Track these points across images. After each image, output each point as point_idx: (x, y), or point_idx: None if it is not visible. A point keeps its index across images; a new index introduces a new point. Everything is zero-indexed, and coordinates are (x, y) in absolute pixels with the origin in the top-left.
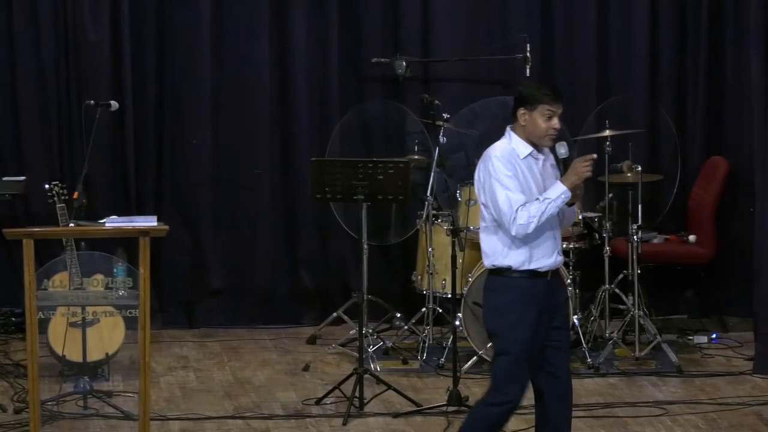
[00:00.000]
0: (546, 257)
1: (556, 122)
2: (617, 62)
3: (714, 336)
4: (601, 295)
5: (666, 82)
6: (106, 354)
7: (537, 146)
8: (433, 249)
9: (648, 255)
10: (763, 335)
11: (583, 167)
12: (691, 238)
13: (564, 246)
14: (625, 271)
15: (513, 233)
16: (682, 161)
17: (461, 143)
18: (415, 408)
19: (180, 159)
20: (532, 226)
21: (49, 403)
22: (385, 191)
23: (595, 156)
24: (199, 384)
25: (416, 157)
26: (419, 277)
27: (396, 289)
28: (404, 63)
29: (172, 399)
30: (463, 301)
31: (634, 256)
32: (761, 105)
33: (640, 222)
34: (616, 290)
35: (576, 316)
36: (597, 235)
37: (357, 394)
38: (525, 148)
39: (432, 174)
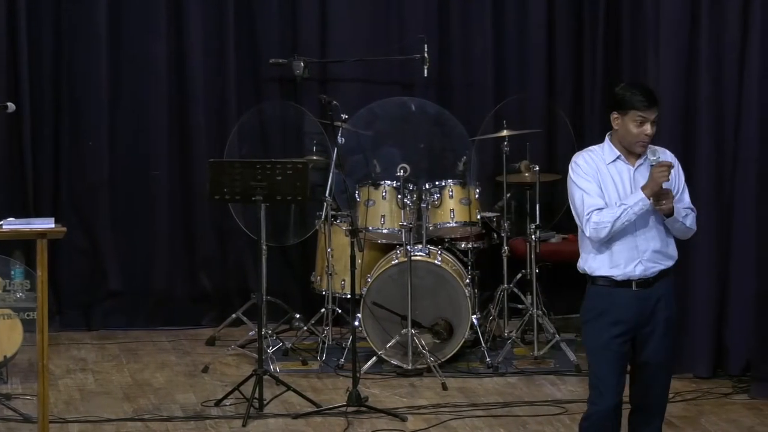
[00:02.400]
0: (623, 266)
1: (648, 128)
2: (514, 62)
3: None
4: (500, 294)
5: (563, 81)
6: (5, 357)
7: (630, 153)
8: (332, 249)
9: (546, 254)
10: None
11: (658, 172)
12: None
13: (462, 246)
14: (523, 271)
15: (587, 234)
16: None
17: (359, 144)
18: (314, 409)
19: (77, 160)
20: (605, 232)
21: None
22: (284, 192)
23: (671, 162)
24: (98, 386)
25: (315, 157)
26: (318, 277)
27: (295, 290)
28: (302, 63)
29: (71, 401)
30: (362, 301)
31: (533, 256)
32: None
33: (538, 221)
34: (515, 290)
35: (475, 316)
36: (495, 235)
37: (257, 395)
38: (612, 154)
39: (331, 174)
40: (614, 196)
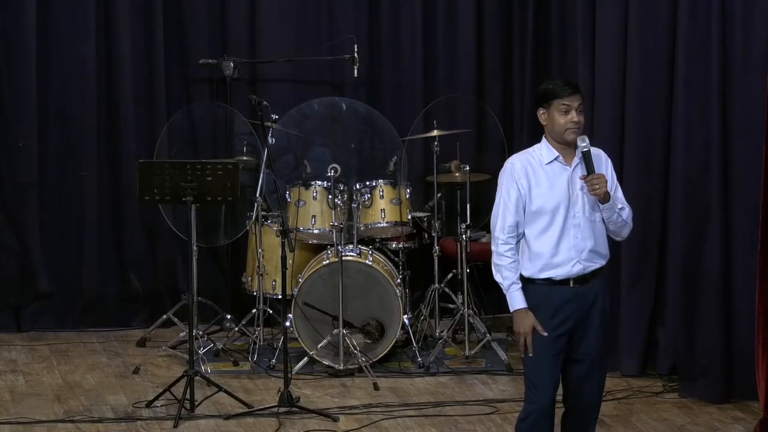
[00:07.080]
0: (561, 266)
1: (574, 115)
2: (444, 62)
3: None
4: (431, 294)
5: (492, 81)
6: None
7: (566, 151)
8: (263, 250)
9: (477, 254)
10: None
11: (594, 185)
12: None
13: (393, 246)
14: (454, 270)
15: (493, 249)
16: None
17: (290, 144)
18: (246, 409)
19: (6, 161)
20: (495, 266)
21: None
22: (214, 192)
23: (602, 174)
24: (28, 388)
25: (245, 158)
26: (249, 278)
27: (226, 290)
28: (232, 64)
29: (2, 403)
30: (293, 301)
31: (463, 255)
32: (588, 106)
33: (468, 221)
34: (446, 289)
35: (406, 316)
36: (426, 235)
37: (188, 396)
38: (550, 154)
39: (261, 175)
40: (551, 200)
